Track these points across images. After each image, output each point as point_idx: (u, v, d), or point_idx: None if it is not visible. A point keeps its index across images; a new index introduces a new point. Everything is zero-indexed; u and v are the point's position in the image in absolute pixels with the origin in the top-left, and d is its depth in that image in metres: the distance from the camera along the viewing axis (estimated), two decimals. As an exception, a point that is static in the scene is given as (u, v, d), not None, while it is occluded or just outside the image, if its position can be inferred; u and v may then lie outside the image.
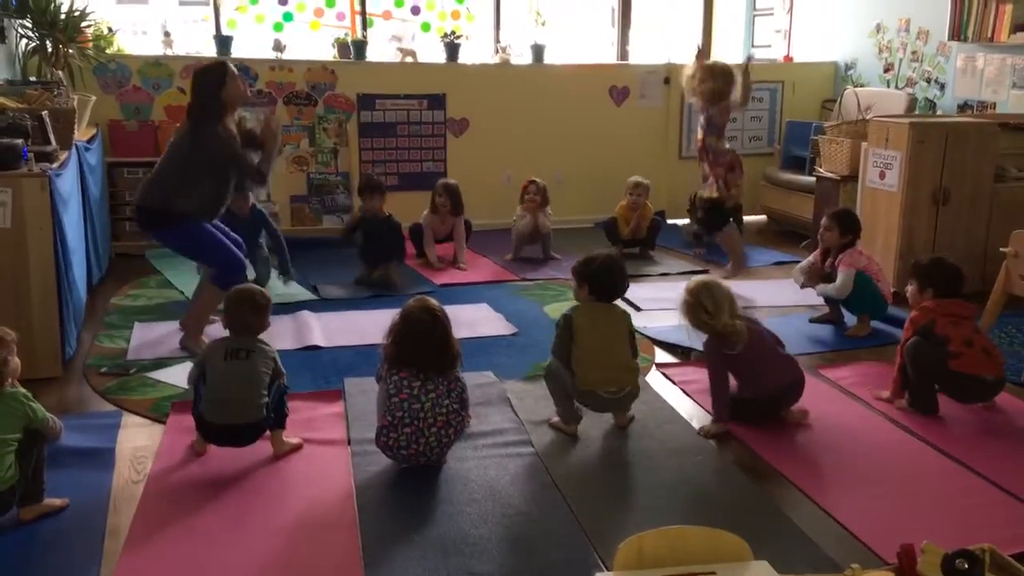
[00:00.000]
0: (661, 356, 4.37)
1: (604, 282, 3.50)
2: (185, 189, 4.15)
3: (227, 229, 4.45)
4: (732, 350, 3.48)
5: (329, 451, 3.28)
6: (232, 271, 4.18)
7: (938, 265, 3.88)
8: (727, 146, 5.62)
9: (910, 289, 3.93)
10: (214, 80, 4.22)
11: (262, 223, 5.30)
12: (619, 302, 3.63)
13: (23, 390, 2.79)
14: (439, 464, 3.15)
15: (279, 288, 5.14)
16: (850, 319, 4.76)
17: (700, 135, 5.62)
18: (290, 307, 4.94)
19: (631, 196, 6.24)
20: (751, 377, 3.56)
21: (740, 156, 5.76)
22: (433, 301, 3.22)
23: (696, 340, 4.30)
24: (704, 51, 5.92)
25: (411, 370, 3.07)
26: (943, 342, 3.62)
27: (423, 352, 3.08)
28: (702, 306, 3.47)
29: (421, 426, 3.03)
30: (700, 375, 4.07)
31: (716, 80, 5.42)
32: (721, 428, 3.50)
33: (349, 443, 3.34)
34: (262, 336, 3.29)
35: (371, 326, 4.34)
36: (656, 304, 5.16)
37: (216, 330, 4.10)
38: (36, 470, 2.76)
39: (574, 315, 3.46)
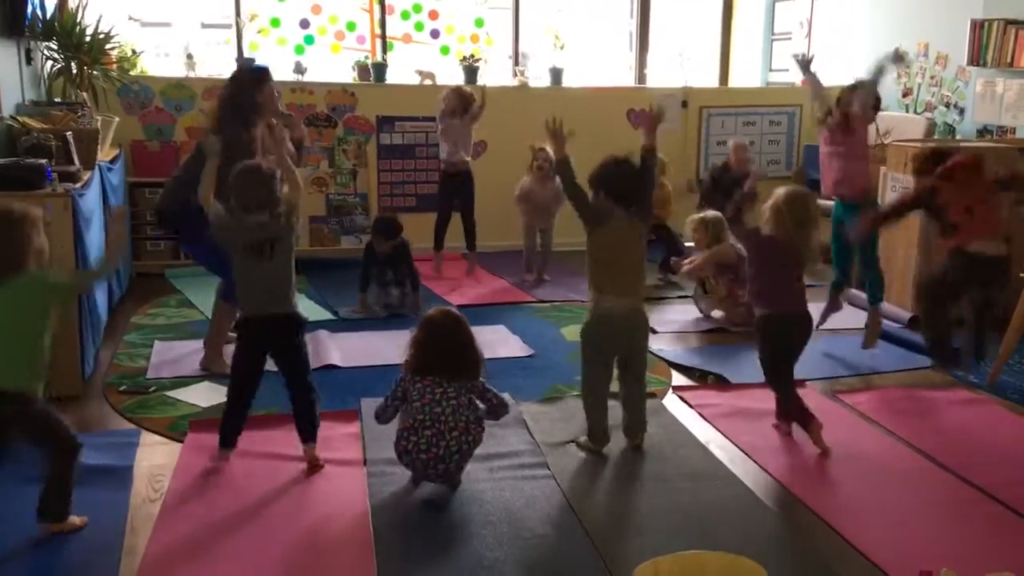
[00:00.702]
0: (678, 379, 4.36)
1: (621, 183, 3.40)
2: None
3: None
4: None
5: (345, 471, 3.28)
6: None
7: (939, 152, 3.88)
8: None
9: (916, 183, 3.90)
10: (254, 81, 4.19)
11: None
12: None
13: (40, 271, 2.71)
14: (453, 481, 3.14)
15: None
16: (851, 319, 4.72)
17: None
18: (308, 327, 4.94)
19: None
20: (768, 288, 3.54)
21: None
22: (454, 309, 3.26)
23: (715, 364, 4.29)
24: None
25: (433, 376, 3.09)
26: (942, 212, 3.58)
27: (445, 357, 3.10)
28: (793, 215, 3.45)
29: (443, 428, 3.02)
30: (717, 399, 4.07)
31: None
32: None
33: (365, 463, 3.34)
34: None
35: (388, 347, 4.36)
36: (673, 327, 5.15)
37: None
38: (65, 486, 2.78)
39: (593, 231, 3.39)
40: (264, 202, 3.22)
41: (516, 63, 7.57)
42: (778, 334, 3.61)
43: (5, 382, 2.65)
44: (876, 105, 4.66)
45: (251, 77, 4.24)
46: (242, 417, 3.32)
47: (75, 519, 2.83)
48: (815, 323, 3.75)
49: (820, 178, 4.91)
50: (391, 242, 5.40)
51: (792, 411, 3.62)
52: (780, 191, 3.61)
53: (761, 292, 3.62)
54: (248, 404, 3.31)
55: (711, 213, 5.46)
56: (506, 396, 3.95)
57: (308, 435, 3.29)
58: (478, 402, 3.16)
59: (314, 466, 3.26)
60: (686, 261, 5.51)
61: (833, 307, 4.83)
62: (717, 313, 5.29)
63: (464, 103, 6.03)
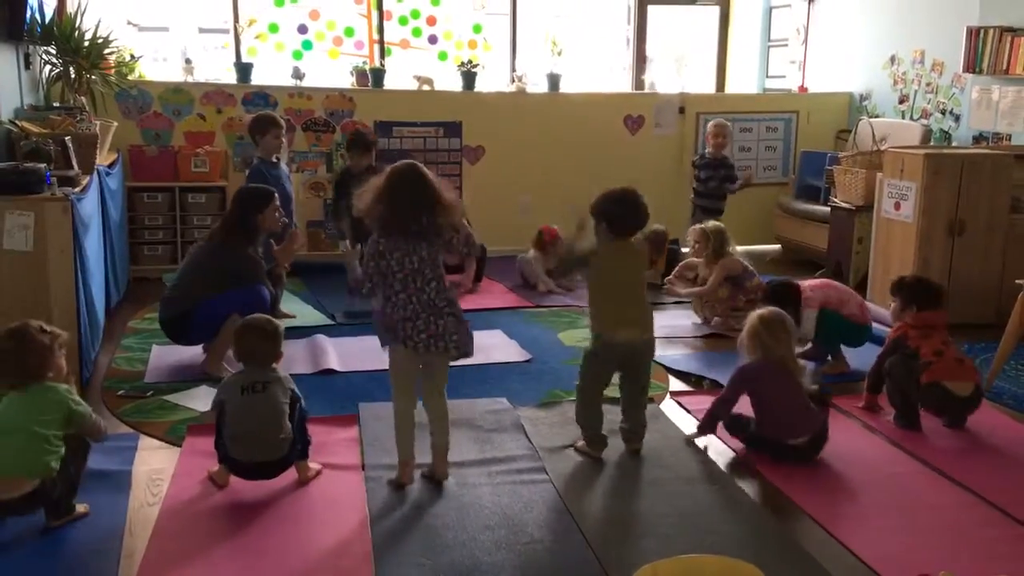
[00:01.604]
0: (675, 384, 4.37)
1: (622, 215, 3.42)
2: (208, 295, 4.19)
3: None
4: (765, 381, 3.50)
5: (344, 476, 3.28)
6: (254, 307, 4.15)
7: (920, 284, 4.01)
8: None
9: (892, 306, 4.03)
10: (258, 203, 4.40)
11: None
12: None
13: (65, 386, 2.88)
14: (464, 350, 3.15)
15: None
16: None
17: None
18: (305, 331, 4.96)
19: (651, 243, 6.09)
20: (770, 418, 3.51)
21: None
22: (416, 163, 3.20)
23: (711, 370, 4.31)
24: None
25: (403, 236, 3.03)
26: (914, 354, 3.74)
27: (415, 214, 3.03)
28: (770, 333, 3.49)
29: (433, 312, 3.06)
30: (714, 404, 4.07)
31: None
32: (697, 436, 3.61)
33: (364, 468, 3.34)
34: (276, 366, 3.26)
35: (387, 352, 4.36)
36: (670, 332, 5.16)
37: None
38: (75, 486, 2.86)
39: (592, 256, 3.42)
40: (264, 356, 3.22)
41: (514, 69, 7.59)
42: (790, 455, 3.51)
43: (26, 472, 2.75)
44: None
45: (255, 201, 4.43)
46: None
47: (80, 507, 2.89)
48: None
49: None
50: (368, 158, 5.41)
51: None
52: (753, 316, 3.60)
53: (775, 422, 3.49)
54: None
55: (712, 224, 5.48)
56: (503, 400, 3.97)
57: (298, 453, 3.22)
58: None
59: (303, 482, 3.20)
60: (695, 291, 5.46)
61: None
62: (716, 320, 5.30)
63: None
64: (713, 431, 3.62)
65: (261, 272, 4.38)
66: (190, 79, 6.71)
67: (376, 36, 7.28)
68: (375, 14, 7.27)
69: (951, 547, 2.85)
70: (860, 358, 4.55)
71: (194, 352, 4.41)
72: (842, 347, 4.59)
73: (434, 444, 3.26)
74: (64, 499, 2.85)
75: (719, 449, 3.62)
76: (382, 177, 3.10)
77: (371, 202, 3.07)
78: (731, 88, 8.59)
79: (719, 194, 6.36)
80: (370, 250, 3.10)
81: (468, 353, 3.19)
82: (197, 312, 4.20)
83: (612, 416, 3.60)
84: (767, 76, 8.57)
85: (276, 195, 4.52)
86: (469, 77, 7.15)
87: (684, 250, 6.69)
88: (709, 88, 8.55)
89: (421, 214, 3.05)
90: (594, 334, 3.46)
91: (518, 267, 6.27)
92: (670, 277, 5.85)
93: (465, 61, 7.21)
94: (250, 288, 4.23)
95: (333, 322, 5.25)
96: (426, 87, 7.13)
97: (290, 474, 3.20)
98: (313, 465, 3.27)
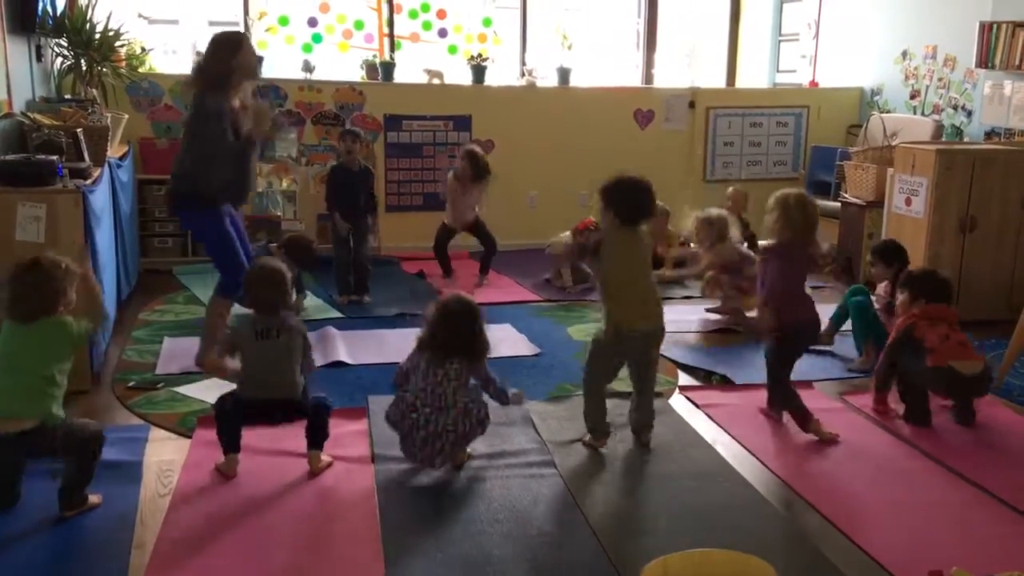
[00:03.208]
0: (684, 379, 4.37)
1: (631, 203, 3.43)
2: (206, 172, 4.03)
3: (247, 240, 4.44)
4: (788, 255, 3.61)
5: (353, 468, 3.29)
6: (236, 276, 4.07)
7: (930, 277, 4.03)
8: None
9: (901, 298, 4.04)
10: (229, 46, 4.10)
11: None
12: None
13: (68, 316, 2.91)
14: (454, 461, 3.23)
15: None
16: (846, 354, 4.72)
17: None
18: (315, 324, 4.97)
19: (653, 225, 6.11)
20: (781, 297, 3.62)
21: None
22: (469, 297, 3.36)
23: (721, 365, 4.31)
24: None
25: (438, 356, 3.18)
26: (920, 343, 3.75)
27: (455, 339, 3.19)
28: (801, 210, 3.62)
29: (441, 406, 3.15)
30: (723, 399, 4.08)
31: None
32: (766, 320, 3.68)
33: (373, 460, 3.35)
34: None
35: (396, 344, 4.38)
36: (679, 327, 5.16)
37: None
38: (89, 476, 2.89)
39: (603, 244, 3.42)
40: (274, 305, 3.25)
41: (523, 62, 7.58)
42: (793, 340, 3.72)
43: (28, 413, 2.79)
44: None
45: (225, 43, 4.12)
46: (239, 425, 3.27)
47: (93, 498, 2.92)
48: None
49: None
50: (358, 150, 5.59)
51: (793, 411, 3.69)
52: (784, 192, 3.71)
53: (778, 301, 3.67)
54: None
55: (715, 211, 5.47)
56: (514, 390, 3.98)
57: (315, 442, 3.26)
58: (482, 389, 3.30)
59: (315, 473, 3.23)
60: (684, 272, 5.49)
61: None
62: (719, 296, 5.34)
63: (478, 171, 5.91)
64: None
65: (223, 122, 4.05)
66: (200, 72, 6.70)
67: (386, 29, 7.27)
68: (385, 7, 7.26)
69: (962, 544, 2.85)
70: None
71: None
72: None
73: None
74: (81, 490, 2.87)
75: (727, 443, 3.62)
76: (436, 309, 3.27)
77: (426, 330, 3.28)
78: (742, 83, 8.56)
79: None
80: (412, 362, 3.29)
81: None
82: (207, 210, 4.07)
83: (621, 410, 3.61)
84: (778, 71, 8.53)
85: (249, 37, 4.35)
86: (479, 71, 7.14)
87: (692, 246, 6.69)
88: (720, 83, 8.53)
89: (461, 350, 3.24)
90: (604, 324, 3.45)
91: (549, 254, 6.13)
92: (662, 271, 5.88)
93: (475, 55, 7.21)
94: (234, 267, 4.14)
95: (342, 315, 5.26)
96: (436, 81, 7.13)
97: (290, 469, 3.20)
98: (325, 457, 3.29)
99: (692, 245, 5.69)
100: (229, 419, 3.21)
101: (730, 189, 6.53)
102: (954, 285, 4.09)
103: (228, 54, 4.07)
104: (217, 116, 3.99)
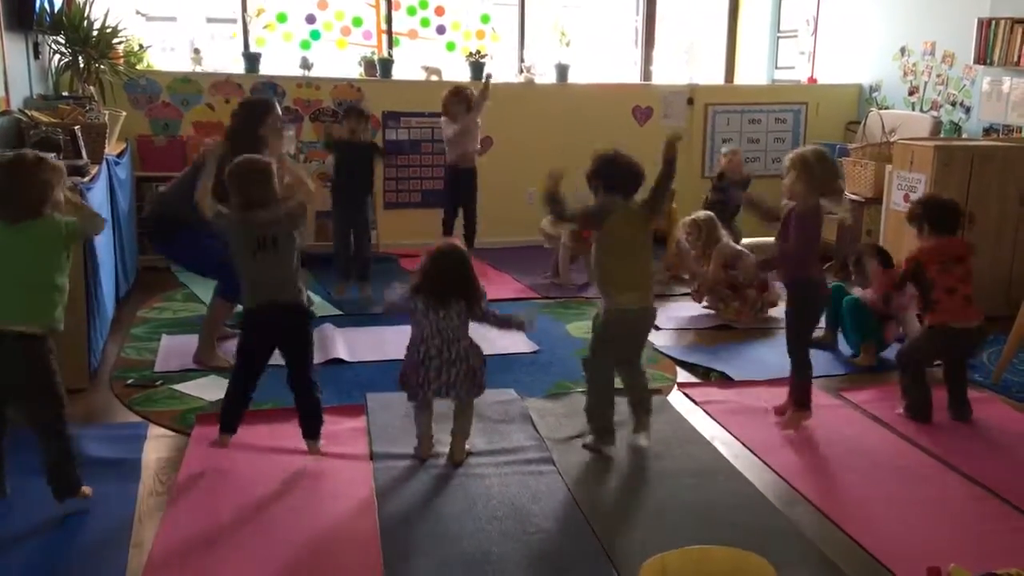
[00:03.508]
0: (683, 376, 4.37)
1: (614, 173, 3.42)
2: (186, 203, 4.10)
3: None
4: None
5: (351, 466, 3.29)
6: (236, 279, 4.16)
7: (932, 202, 3.99)
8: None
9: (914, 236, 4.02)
10: (256, 113, 4.33)
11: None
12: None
13: (57, 214, 2.82)
14: (472, 395, 3.31)
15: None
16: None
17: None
18: (313, 321, 4.95)
19: None
20: (801, 258, 3.61)
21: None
22: (458, 243, 3.44)
23: (719, 362, 4.30)
24: None
25: (436, 296, 3.22)
26: (928, 285, 3.75)
27: (450, 285, 3.23)
28: (822, 165, 3.56)
29: (451, 357, 3.22)
30: (721, 396, 4.08)
31: None
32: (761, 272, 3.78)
33: (371, 458, 3.35)
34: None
35: (395, 341, 4.36)
36: (678, 323, 5.16)
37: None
38: (70, 453, 2.85)
39: (608, 217, 3.38)
40: (263, 199, 3.22)
41: (522, 59, 7.57)
42: (817, 297, 3.75)
43: (25, 318, 2.74)
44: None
45: (255, 110, 4.37)
46: (244, 404, 3.30)
47: (85, 489, 2.90)
48: None
49: None
50: (361, 128, 5.54)
51: (802, 383, 3.70)
52: (800, 152, 3.65)
53: (804, 259, 3.63)
54: (250, 392, 3.31)
55: (702, 213, 5.57)
56: (510, 392, 3.98)
57: (311, 432, 3.29)
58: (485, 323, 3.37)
59: (314, 453, 3.28)
60: (698, 284, 5.47)
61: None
62: (707, 299, 5.36)
63: (465, 101, 6.00)
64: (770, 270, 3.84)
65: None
66: (198, 69, 6.70)
67: (384, 26, 7.26)
68: (383, 4, 7.25)
69: (960, 540, 2.85)
70: (885, 354, 4.58)
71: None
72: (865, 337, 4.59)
73: (455, 430, 3.38)
74: (63, 469, 2.83)
75: (725, 440, 3.62)
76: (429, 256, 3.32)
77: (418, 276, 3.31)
78: (740, 79, 8.56)
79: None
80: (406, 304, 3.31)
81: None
82: (185, 230, 4.12)
83: (618, 408, 3.60)
84: (776, 67, 8.53)
85: (278, 106, 4.46)
86: (477, 67, 7.13)
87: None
88: (718, 79, 8.52)
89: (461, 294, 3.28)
90: (601, 308, 3.44)
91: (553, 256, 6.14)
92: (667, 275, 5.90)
93: (473, 51, 7.20)
94: (231, 273, 4.18)
95: (341, 313, 5.26)
96: (434, 77, 7.12)
97: (286, 466, 3.21)
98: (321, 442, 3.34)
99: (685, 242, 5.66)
100: (238, 399, 3.27)
101: (724, 149, 6.53)
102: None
103: (258, 121, 4.28)
104: None
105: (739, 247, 5.47)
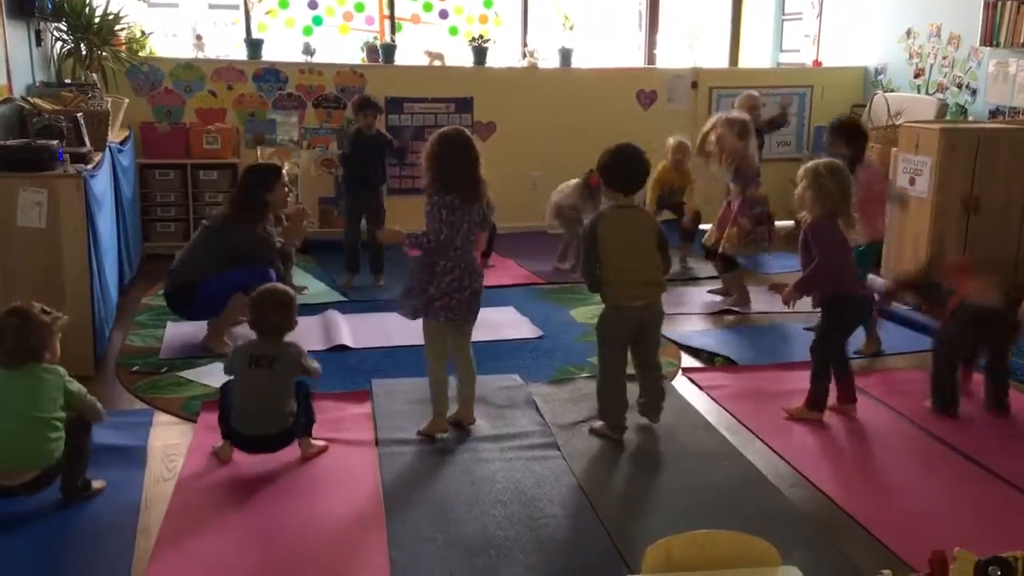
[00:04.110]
0: (687, 361, 4.36)
1: (620, 169, 3.44)
2: (210, 271, 4.24)
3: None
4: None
5: (357, 452, 3.30)
6: (255, 281, 4.17)
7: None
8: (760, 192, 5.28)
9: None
10: (265, 180, 4.41)
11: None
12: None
13: (60, 367, 2.88)
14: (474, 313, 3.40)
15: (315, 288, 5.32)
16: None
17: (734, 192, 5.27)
18: (318, 307, 4.98)
19: (674, 156, 6.06)
20: (835, 272, 3.56)
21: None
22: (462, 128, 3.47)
23: (723, 346, 4.30)
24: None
25: (454, 199, 3.28)
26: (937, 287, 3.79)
27: (465, 175, 3.29)
28: (835, 180, 3.54)
29: (466, 269, 3.32)
30: (726, 380, 4.08)
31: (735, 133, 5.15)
32: (796, 296, 3.61)
33: (377, 444, 3.36)
34: (290, 336, 3.29)
35: (399, 328, 4.36)
36: (683, 309, 5.16)
37: (245, 330, 4.12)
38: (85, 462, 2.87)
39: (599, 223, 3.38)
40: (279, 327, 3.24)
41: (525, 44, 7.53)
42: (853, 315, 3.72)
43: (30, 463, 2.76)
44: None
45: (261, 177, 4.45)
46: None
47: (96, 483, 2.92)
48: None
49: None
50: (377, 122, 5.56)
51: (819, 387, 3.67)
52: (814, 163, 3.63)
53: (835, 274, 3.58)
54: None
55: (738, 115, 5.35)
56: (515, 377, 3.99)
57: (301, 429, 3.23)
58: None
59: (306, 458, 3.21)
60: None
61: None
62: (727, 300, 5.29)
63: None
64: (806, 293, 3.66)
65: (272, 250, 4.40)
66: (201, 55, 6.68)
67: (386, 11, 7.22)
68: (386, -11, 7.22)
69: (966, 523, 2.85)
70: (890, 340, 4.59)
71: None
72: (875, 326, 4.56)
73: (461, 394, 3.47)
74: (79, 478, 2.86)
75: (730, 425, 3.62)
76: (438, 139, 3.33)
77: (431, 162, 3.33)
78: (745, 62, 8.51)
79: None
80: (437, 206, 3.31)
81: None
82: (202, 286, 4.23)
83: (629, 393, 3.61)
84: (781, 50, 8.48)
85: (284, 172, 4.52)
86: (480, 52, 7.10)
87: (703, 227, 6.66)
88: (723, 63, 8.47)
89: (476, 176, 3.32)
90: (605, 304, 3.44)
91: (554, 209, 6.10)
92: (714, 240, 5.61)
93: (476, 36, 7.16)
94: (258, 268, 4.24)
95: (345, 299, 5.26)
96: (437, 63, 7.09)
97: (295, 451, 3.21)
98: (317, 442, 3.28)
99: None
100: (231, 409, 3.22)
101: (671, 140, 6.17)
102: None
103: (264, 189, 4.37)
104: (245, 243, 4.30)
105: (759, 169, 5.30)
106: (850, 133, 4.43)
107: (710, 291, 5.40)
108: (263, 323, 3.24)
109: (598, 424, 3.50)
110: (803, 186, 3.59)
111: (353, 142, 5.63)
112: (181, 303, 4.35)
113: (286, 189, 4.50)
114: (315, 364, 3.27)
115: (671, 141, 6.13)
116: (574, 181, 6.03)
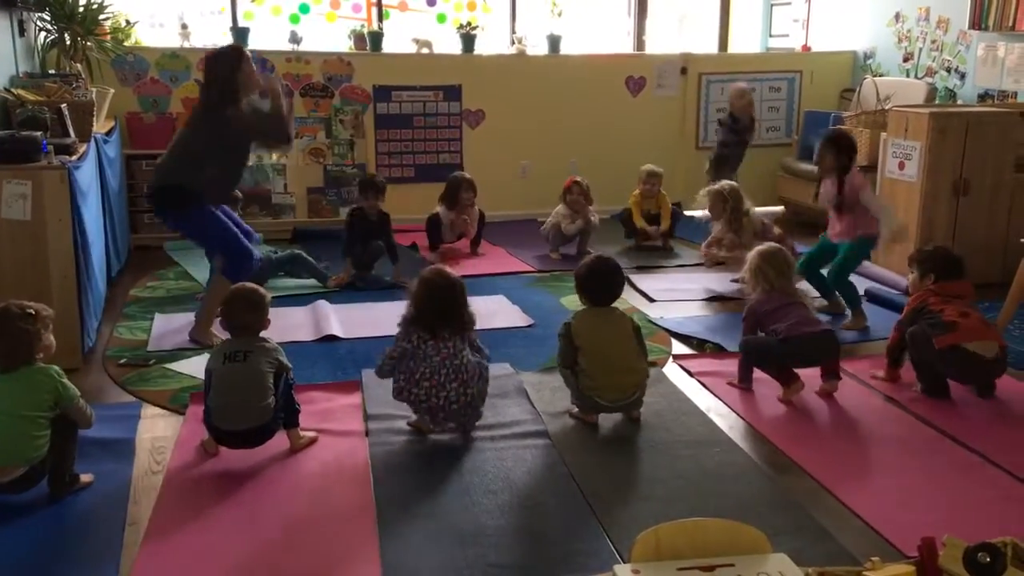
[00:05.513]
0: (677, 347, 4.36)
1: (595, 286, 3.52)
2: (196, 168, 4.14)
3: (239, 219, 4.46)
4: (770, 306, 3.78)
5: (346, 442, 3.29)
6: (241, 260, 4.19)
7: (939, 253, 3.98)
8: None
9: (911, 277, 4.00)
10: (228, 64, 4.22)
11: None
12: (631, 295, 3.63)
13: (56, 367, 2.86)
14: (473, 423, 3.32)
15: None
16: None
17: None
18: (308, 298, 4.96)
19: (645, 185, 6.21)
20: (784, 328, 3.70)
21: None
22: (448, 269, 3.42)
23: (713, 333, 4.31)
24: None
25: (428, 331, 3.24)
26: (937, 316, 3.67)
27: (445, 314, 3.25)
28: (773, 266, 3.83)
29: (465, 379, 3.22)
30: (717, 367, 4.08)
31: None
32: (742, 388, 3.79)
33: (367, 434, 3.35)
34: (265, 334, 3.25)
35: (389, 317, 4.34)
36: (671, 295, 5.15)
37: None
38: (72, 458, 2.86)
39: (573, 323, 3.47)
40: (250, 326, 3.22)
41: (513, 31, 7.50)
42: (796, 350, 3.71)
43: (17, 460, 2.75)
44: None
45: (224, 61, 4.25)
46: None
47: (84, 477, 2.91)
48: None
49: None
50: (381, 201, 5.40)
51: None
52: (755, 252, 3.92)
53: (788, 328, 3.72)
54: None
55: (727, 184, 5.47)
56: (505, 366, 3.99)
57: (287, 422, 3.21)
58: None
59: (295, 450, 3.20)
60: (735, 254, 5.40)
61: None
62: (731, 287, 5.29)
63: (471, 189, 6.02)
64: (749, 380, 3.82)
65: (258, 124, 4.28)
66: (187, 44, 6.64)
67: (374, -1, 7.18)
68: (373, -24, 7.17)
69: (955, 508, 2.85)
70: (878, 319, 4.60)
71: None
72: (861, 304, 4.66)
73: None
74: (66, 473, 2.85)
75: (721, 411, 3.62)
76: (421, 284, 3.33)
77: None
78: (734, 48, 8.49)
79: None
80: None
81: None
82: (195, 211, 4.15)
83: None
84: (770, 35, 8.47)
85: (246, 50, 4.40)
86: (468, 40, 7.06)
87: (689, 213, 6.66)
88: (711, 48, 8.45)
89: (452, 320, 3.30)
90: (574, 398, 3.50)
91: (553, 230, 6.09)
92: (704, 250, 5.72)
93: (464, 23, 7.12)
94: (239, 252, 4.21)
95: (335, 289, 5.23)
96: (425, 50, 7.05)
97: (284, 442, 3.19)
98: (307, 433, 3.26)
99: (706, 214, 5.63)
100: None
101: (642, 169, 6.25)
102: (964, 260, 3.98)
103: (231, 71, 4.20)
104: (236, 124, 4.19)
105: (764, 220, 5.48)
106: (840, 145, 4.66)
107: (734, 280, 5.37)
108: (235, 323, 3.23)
109: (575, 409, 3.52)
110: (747, 270, 3.92)
111: (352, 222, 5.43)
112: (168, 205, 4.25)
113: (253, 68, 4.32)
114: (284, 359, 3.23)
115: (642, 170, 6.20)
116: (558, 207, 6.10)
